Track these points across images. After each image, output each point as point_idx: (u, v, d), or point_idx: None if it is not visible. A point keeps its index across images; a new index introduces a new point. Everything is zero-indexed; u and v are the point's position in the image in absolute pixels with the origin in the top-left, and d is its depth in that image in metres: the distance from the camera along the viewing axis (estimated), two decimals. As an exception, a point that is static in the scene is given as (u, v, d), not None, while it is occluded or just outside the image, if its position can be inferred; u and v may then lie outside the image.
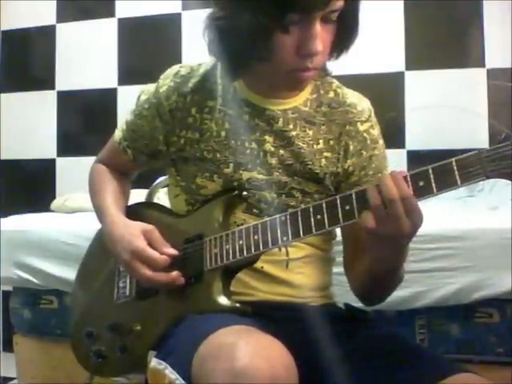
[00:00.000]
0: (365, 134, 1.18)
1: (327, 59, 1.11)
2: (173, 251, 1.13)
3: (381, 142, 1.21)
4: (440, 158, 0.90)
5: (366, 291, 1.16)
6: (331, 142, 1.17)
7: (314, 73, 1.09)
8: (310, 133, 1.17)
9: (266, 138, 1.16)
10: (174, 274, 1.10)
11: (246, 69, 1.11)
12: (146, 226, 1.15)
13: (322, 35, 1.02)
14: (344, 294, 1.24)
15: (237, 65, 1.10)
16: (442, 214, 1.93)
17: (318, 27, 1.01)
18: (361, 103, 1.21)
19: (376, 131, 1.21)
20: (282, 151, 1.15)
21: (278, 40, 1.01)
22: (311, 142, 1.16)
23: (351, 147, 1.18)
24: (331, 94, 1.20)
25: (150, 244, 1.13)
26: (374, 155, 1.19)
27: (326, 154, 1.17)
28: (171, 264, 1.11)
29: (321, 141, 1.17)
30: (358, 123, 1.18)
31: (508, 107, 2.36)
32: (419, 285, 1.76)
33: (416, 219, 0.92)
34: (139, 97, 1.26)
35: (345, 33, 1.08)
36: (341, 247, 1.24)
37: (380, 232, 0.93)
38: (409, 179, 0.91)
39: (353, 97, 1.21)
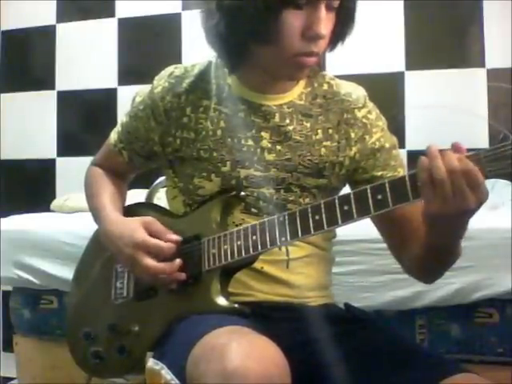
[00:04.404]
0: (364, 120, 1.19)
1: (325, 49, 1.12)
2: (176, 237, 1.12)
3: (381, 123, 1.21)
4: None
5: (425, 267, 1.11)
6: (330, 131, 1.17)
7: (316, 59, 1.09)
8: (308, 125, 1.17)
9: (263, 134, 1.16)
10: (178, 261, 1.09)
11: (247, 57, 1.11)
12: (146, 218, 1.15)
13: (325, 21, 1.04)
14: (344, 294, 1.24)
15: (239, 50, 1.10)
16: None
17: (324, 11, 1.03)
18: (355, 91, 1.22)
19: (374, 115, 1.21)
20: (279, 147, 1.15)
21: (285, 20, 1.03)
22: (309, 134, 1.16)
23: (352, 134, 1.18)
24: (325, 86, 1.21)
25: (152, 235, 1.12)
26: (378, 139, 1.19)
27: (325, 143, 1.17)
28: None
29: (319, 131, 1.17)
30: (356, 110, 1.19)
31: (508, 107, 2.35)
32: (419, 285, 1.75)
33: (480, 194, 0.86)
34: (134, 99, 1.27)
35: (342, 24, 1.10)
36: (341, 247, 1.23)
37: (442, 212, 0.88)
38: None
39: (347, 86, 1.22)
